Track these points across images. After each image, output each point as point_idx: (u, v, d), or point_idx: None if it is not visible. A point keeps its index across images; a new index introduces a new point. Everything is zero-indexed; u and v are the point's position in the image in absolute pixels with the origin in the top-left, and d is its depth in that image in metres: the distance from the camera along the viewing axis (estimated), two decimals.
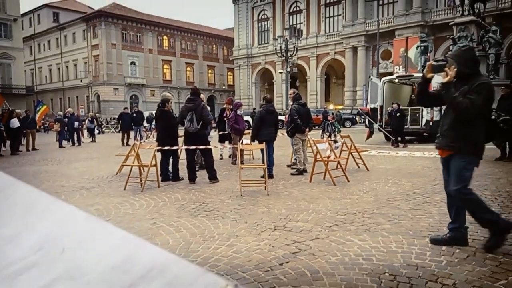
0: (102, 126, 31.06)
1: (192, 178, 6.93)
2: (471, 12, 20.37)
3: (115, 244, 0.45)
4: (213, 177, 6.89)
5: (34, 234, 0.50)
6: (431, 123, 13.29)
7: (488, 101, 3.26)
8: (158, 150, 6.94)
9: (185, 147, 6.91)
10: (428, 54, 22.06)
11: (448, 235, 3.42)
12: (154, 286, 0.39)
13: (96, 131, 21.22)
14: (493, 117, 3.44)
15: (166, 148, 6.96)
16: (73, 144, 16.92)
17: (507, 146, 8.64)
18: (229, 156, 10.36)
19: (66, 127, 17.11)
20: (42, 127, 29.40)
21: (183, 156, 9.85)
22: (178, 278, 0.39)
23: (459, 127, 3.26)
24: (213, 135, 9.13)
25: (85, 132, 20.53)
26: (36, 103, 17.50)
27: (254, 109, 32.88)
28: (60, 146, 15.98)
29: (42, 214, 0.53)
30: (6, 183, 0.60)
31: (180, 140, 8.20)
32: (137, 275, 0.40)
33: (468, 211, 3.34)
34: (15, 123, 13.34)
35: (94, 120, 21.67)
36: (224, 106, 10.45)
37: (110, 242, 0.46)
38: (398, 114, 12.45)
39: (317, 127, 24.54)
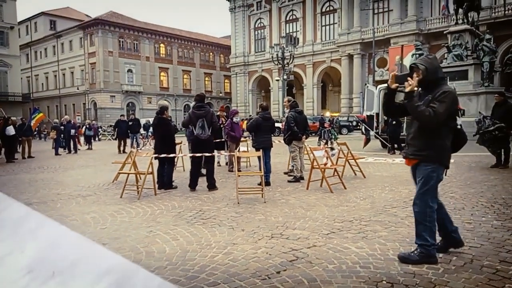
0: (99, 133, 31.00)
1: (193, 186, 6.90)
2: (465, 20, 20.63)
3: (107, 268, 0.44)
4: (212, 186, 6.87)
5: (23, 255, 0.48)
6: None
7: (452, 110, 3.22)
8: (155, 158, 6.93)
9: (191, 154, 6.88)
10: None
11: (443, 241, 3.43)
12: None
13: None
14: (459, 126, 3.38)
15: (162, 156, 6.95)
16: (69, 151, 16.85)
17: (502, 154, 8.68)
18: (226, 163, 10.35)
19: (62, 135, 17.06)
20: (36, 134, 29.29)
21: (179, 164, 9.86)
22: None
23: (424, 136, 3.26)
24: None
25: (82, 139, 20.34)
26: (33, 110, 17.45)
27: (251, 115, 32.91)
28: (56, 153, 15.93)
29: (32, 234, 0.51)
30: None
31: (177, 148, 8.19)
32: None
33: (416, 221, 3.30)
34: (10, 130, 13.28)
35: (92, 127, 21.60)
36: (218, 113, 10.44)
37: (102, 266, 0.45)
38: (394, 121, 12.51)
39: (313, 134, 24.60)
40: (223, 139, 9.70)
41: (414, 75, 3.27)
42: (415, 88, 3.28)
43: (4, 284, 0.46)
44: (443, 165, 3.28)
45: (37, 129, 25.29)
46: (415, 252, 3.22)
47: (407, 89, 3.27)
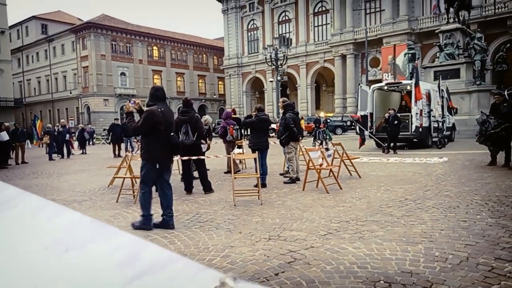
0: (94, 137, 30.73)
1: (189, 189, 6.90)
2: (456, 19, 20.83)
3: (119, 245, 0.47)
4: (208, 189, 6.86)
5: (39, 237, 0.52)
6: (420, 129, 13.46)
7: (148, 123, 4.42)
8: None
9: (180, 157, 6.88)
10: (416, 61, 22.37)
11: (160, 220, 4.59)
12: (155, 280, 0.41)
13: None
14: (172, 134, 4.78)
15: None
16: (62, 156, 16.73)
17: (505, 154, 8.37)
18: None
19: (55, 140, 16.93)
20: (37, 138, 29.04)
21: (175, 166, 9.80)
22: (179, 274, 0.41)
23: (141, 141, 4.76)
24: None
25: (76, 144, 20.12)
26: (33, 118, 17.61)
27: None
28: (50, 158, 15.80)
29: (48, 220, 0.54)
30: (13, 194, 0.61)
31: None
32: (139, 271, 0.43)
33: (140, 201, 4.64)
34: (4, 136, 13.16)
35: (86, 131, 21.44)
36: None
37: (114, 243, 0.48)
38: (395, 120, 12.51)
39: (309, 134, 24.66)
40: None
41: (138, 102, 4.72)
42: (133, 110, 4.63)
43: (21, 261, 0.49)
44: (150, 162, 4.52)
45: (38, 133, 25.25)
46: (138, 220, 4.66)
47: (125, 111, 4.70)
